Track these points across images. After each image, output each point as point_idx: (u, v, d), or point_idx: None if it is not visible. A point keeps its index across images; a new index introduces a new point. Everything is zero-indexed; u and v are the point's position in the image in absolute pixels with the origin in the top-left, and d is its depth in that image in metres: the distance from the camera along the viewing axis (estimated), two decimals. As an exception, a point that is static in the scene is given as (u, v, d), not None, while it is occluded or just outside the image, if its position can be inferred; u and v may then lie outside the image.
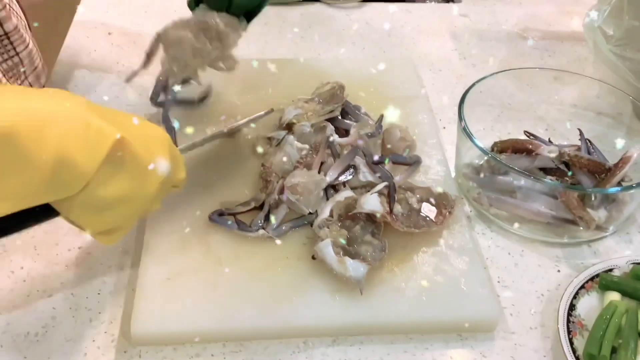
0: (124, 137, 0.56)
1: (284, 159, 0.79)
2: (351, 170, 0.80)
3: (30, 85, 0.90)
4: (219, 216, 0.76)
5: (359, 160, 0.80)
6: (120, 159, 0.56)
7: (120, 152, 0.56)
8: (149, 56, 0.84)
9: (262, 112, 0.88)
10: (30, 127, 0.50)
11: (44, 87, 0.87)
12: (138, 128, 0.61)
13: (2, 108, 0.50)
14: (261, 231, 0.74)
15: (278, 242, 0.74)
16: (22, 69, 0.86)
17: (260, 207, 0.77)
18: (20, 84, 0.84)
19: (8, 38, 0.85)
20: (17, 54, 0.88)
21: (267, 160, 0.81)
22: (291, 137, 0.83)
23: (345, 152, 0.82)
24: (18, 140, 0.49)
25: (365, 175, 0.79)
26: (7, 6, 0.85)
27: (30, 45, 0.91)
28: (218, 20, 0.79)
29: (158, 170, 0.61)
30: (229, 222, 0.75)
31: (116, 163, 0.56)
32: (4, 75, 0.71)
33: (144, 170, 0.59)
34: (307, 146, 0.81)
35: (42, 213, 0.59)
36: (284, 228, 0.76)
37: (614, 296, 0.72)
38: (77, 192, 0.55)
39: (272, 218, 0.75)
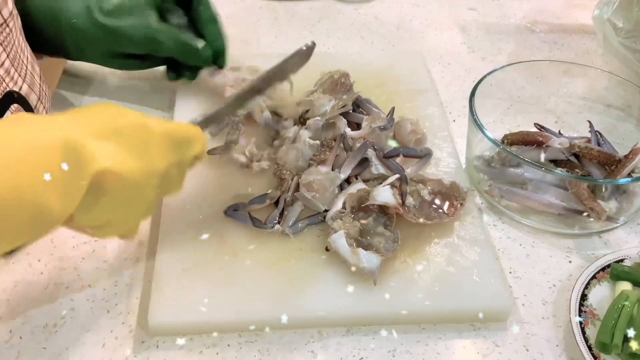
0: (106, 168, 0.54)
1: (297, 156, 0.80)
2: (364, 163, 0.81)
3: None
4: (234, 211, 0.76)
5: (371, 153, 0.81)
6: (103, 188, 0.55)
7: (103, 182, 0.54)
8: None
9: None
10: (6, 189, 0.49)
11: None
12: (137, 130, 0.59)
13: None
14: (277, 227, 0.75)
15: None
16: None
17: (275, 204, 0.78)
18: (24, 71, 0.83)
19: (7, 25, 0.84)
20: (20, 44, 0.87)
21: (279, 157, 0.81)
22: (305, 132, 0.83)
23: (357, 144, 0.82)
24: None
25: (377, 168, 0.80)
26: None
27: None
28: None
29: (155, 175, 0.60)
30: (245, 218, 0.76)
31: (98, 194, 0.55)
32: (12, 65, 0.72)
33: (135, 187, 0.58)
34: (317, 142, 0.82)
35: None
36: (299, 225, 0.76)
37: (625, 286, 0.72)
38: (61, 224, 0.55)
39: (287, 215, 0.76)
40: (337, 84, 0.93)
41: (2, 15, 0.72)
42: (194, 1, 0.88)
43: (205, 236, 0.75)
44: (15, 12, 0.76)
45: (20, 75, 0.74)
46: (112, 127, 0.57)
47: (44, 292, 0.72)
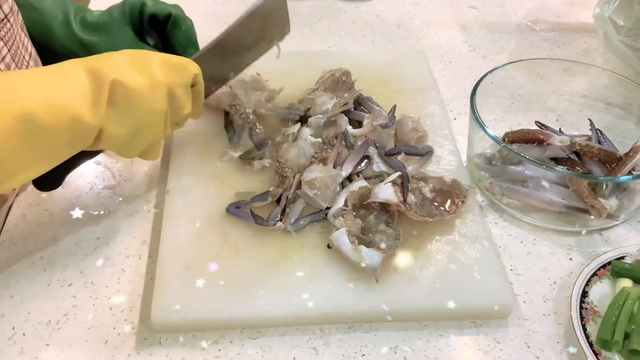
0: (116, 78, 0.62)
1: (299, 153, 0.80)
2: (365, 160, 0.81)
3: None
4: (236, 209, 0.77)
5: (372, 151, 0.81)
6: (119, 97, 0.62)
7: (117, 92, 0.62)
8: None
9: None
10: (45, 105, 0.58)
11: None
12: (132, 57, 0.66)
13: (23, 92, 0.58)
14: (279, 224, 0.75)
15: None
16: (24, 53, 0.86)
17: (277, 201, 0.78)
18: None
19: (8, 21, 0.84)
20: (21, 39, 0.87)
21: (281, 155, 0.81)
22: (307, 129, 0.84)
23: (359, 142, 0.83)
24: (38, 117, 0.57)
25: (379, 165, 0.80)
26: None
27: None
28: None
29: (158, 86, 0.66)
30: (247, 216, 0.76)
31: (117, 103, 0.62)
32: (12, 60, 0.72)
33: (146, 97, 0.65)
34: (319, 140, 0.82)
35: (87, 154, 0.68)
36: (302, 222, 0.76)
37: (626, 283, 0.72)
38: (96, 137, 0.63)
39: (289, 212, 0.77)
40: (339, 82, 0.93)
41: (2, 11, 0.72)
42: (169, 24, 0.86)
43: (206, 234, 0.75)
44: (15, 8, 0.76)
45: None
46: (119, 55, 0.66)
47: (47, 289, 0.72)
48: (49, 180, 0.69)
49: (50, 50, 0.85)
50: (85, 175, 0.85)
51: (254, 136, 0.84)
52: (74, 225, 0.79)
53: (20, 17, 0.78)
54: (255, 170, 0.82)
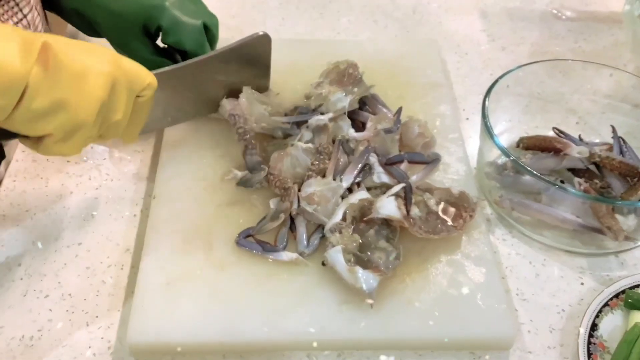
0: (49, 42, 0.57)
1: (293, 163, 0.74)
2: (366, 168, 0.76)
3: None
4: (245, 239, 0.71)
5: (373, 160, 0.76)
6: (50, 63, 0.57)
7: (49, 56, 0.57)
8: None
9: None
10: None
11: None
12: (73, 43, 0.61)
13: None
14: (294, 255, 0.69)
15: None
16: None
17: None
18: None
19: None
20: (25, 16, 0.83)
21: (272, 167, 0.75)
22: (306, 133, 0.78)
23: (361, 147, 0.77)
24: None
25: (380, 176, 0.75)
26: None
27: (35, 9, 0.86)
28: None
29: (100, 74, 0.60)
30: (255, 246, 0.71)
31: (46, 68, 0.57)
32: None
33: (81, 74, 0.59)
34: (311, 145, 0.77)
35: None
36: (314, 242, 0.71)
37: (639, 317, 0.67)
38: (17, 101, 0.56)
39: (298, 234, 0.71)
40: (344, 75, 0.86)
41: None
42: (161, 36, 0.79)
43: (192, 245, 0.71)
44: None
45: None
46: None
47: (22, 300, 0.68)
48: None
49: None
50: (70, 173, 0.81)
51: (247, 156, 0.77)
52: (55, 228, 0.75)
53: None
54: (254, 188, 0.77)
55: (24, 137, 0.61)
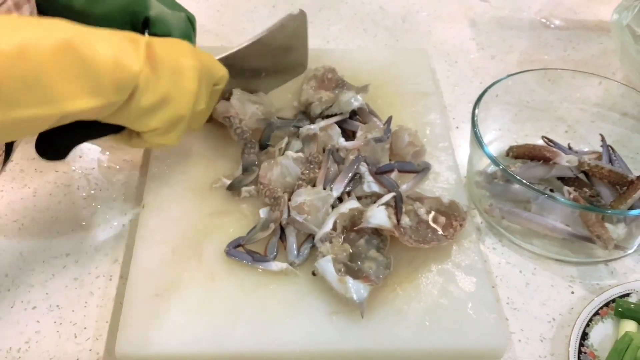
0: (151, 41, 0.62)
1: (283, 172, 0.74)
2: (356, 177, 0.76)
3: None
4: (235, 249, 0.70)
5: (363, 169, 0.75)
6: (154, 61, 0.61)
7: (151, 55, 0.61)
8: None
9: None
10: (82, 39, 0.56)
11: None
12: (162, 40, 0.65)
13: (58, 25, 0.56)
14: (284, 265, 0.69)
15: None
16: None
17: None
18: None
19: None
20: None
21: (262, 176, 0.75)
22: (296, 142, 0.78)
23: (351, 156, 0.77)
24: (76, 49, 0.55)
25: (370, 185, 0.74)
26: None
27: None
28: None
29: (191, 69, 0.65)
30: (244, 256, 0.70)
31: (152, 66, 0.61)
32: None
33: (177, 69, 0.64)
34: (301, 154, 0.76)
35: (108, 127, 0.65)
36: (305, 252, 0.71)
37: (630, 326, 0.67)
38: (128, 98, 0.60)
39: (288, 243, 0.71)
40: (324, 80, 0.87)
41: None
42: (150, 27, 0.79)
43: (181, 255, 0.70)
44: None
45: None
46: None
47: (9, 312, 0.68)
48: (55, 149, 0.65)
49: None
50: (58, 183, 0.80)
51: (245, 155, 0.77)
52: (43, 239, 0.74)
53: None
54: (242, 196, 0.76)
55: (117, 134, 0.67)
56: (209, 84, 0.70)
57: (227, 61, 0.74)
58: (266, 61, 0.82)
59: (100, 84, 0.57)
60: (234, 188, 0.75)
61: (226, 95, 0.80)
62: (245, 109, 0.79)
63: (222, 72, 0.72)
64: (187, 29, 0.79)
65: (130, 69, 0.59)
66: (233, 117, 0.79)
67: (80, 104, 0.57)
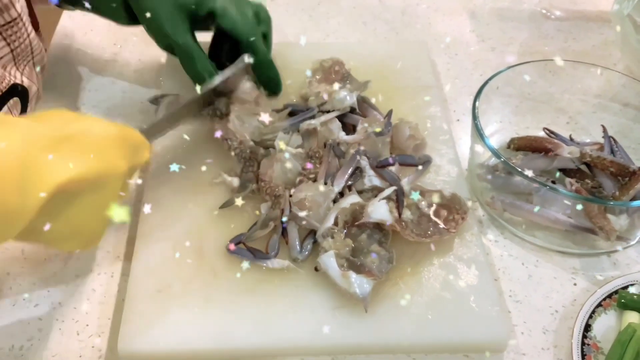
0: (68, 179, 0.53)
1: (283, 169, 0.74)
2: (357, 172, 0.75)
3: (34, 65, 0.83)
4: (236, 246, 0.70)
5: (364, 163, 0.75)
6: (66, 194, 0.54)
7: (65, 190, 0.53)
8: None
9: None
10: None
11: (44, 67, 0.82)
12: (88, 135, 0.57)
13: None
14: (286, 262, 0.68)
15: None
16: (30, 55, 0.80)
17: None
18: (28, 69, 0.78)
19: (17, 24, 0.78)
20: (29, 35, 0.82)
21: (262, 173, 0.74)
22: (296, 137, 0.78)
23: (351, 150, 0.76)
24: None
25: (371, 179, 0.74)
26: None
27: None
28: None
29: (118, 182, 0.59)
30: (246, 253, 0.70)
31: (62, 198, 0.54)
32: (14, 59, 0.68)
33: (98, 190, 0.57)
34: (301, 150, 0.76)
35: None
36: (307, 247, 0.70)
37: (633, 317, 0.67)
38: (20, 231, 0.52)
39: (290, 239, 0.70)
40: (331, 72, 0.86)
41: (10, 15, 0.69)
42: (216, 21, 0.79)
43: (183, 252, 0.70)
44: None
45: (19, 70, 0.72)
46: (66, 133, 0.55)
47: (12, 310, 0.68)
48: None
49: None
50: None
51: (244, 173, 0.76)
52: (45, 236, 0.74)
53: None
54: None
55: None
56: (132, 173, 0.64)
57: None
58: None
59: None
60: (226, 206, 0.74)
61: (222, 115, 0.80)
62: (245, 125, 0.78)
63: (144, 159, 0.65)
64: (252, 24, 0.80)
65: (11, 215, 0.50)
66: (231, 140, 0.77)
67: None
